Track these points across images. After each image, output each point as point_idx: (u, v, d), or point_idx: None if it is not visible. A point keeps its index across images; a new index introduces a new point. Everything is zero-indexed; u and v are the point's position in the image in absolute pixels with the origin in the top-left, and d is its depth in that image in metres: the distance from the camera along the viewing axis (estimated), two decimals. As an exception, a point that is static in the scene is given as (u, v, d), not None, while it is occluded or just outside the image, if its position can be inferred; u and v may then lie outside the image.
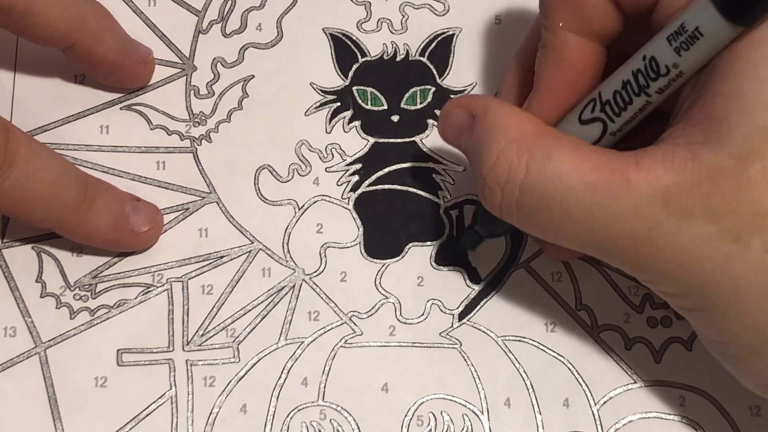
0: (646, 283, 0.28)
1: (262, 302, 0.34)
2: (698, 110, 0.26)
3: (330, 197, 0.35)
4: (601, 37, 0.29)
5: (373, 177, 0.36)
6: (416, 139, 0.36)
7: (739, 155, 0.25)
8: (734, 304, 0.26)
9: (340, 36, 0.38)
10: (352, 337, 0.34)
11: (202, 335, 0.34)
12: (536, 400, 0.33)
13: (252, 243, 0.35)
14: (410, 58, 0.37)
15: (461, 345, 0.34)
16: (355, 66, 0.37)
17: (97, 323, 0.34)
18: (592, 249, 0.28)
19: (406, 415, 0.33)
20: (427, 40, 0.38)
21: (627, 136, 0.29)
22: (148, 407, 0.33)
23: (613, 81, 0.28)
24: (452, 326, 0.34)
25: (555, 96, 0.29)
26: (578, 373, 0.33)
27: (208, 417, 0.33)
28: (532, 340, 0.34)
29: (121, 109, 0.37)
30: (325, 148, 0.36)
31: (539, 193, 0.27)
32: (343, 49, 0.38)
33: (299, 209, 0.35)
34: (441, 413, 0.33)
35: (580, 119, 0.29)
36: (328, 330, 0.34)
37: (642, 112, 0.28)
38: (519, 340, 0.34)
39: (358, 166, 0.36)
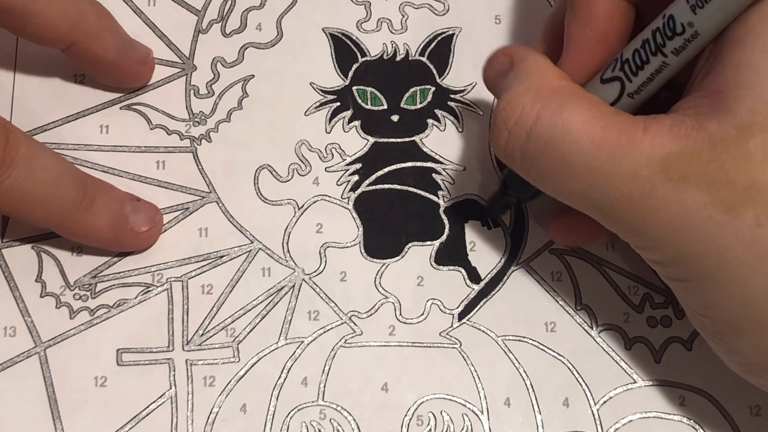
0: (638, 249, 0.28)
1: (261, 302, 0.34)
2: (709, 81, 0.26)
3: (330, 197, 0.35)
4: None
5: (373, 177, 0.36)
6: (416, 138, 0.36)
7: (742, 126, 0.25)
8: (721, 275, 0.26)
9: (340, 36, 0.38)
10: (352, 337, 0.34)
11: (202, 335, 0.34)
12: (536, 399, 0.33)
13: (252, 243, 0.35)
14: (410, 58, 0.37)
15: (461, 345, 0.34)
16: (355, 66, 0.37)
17: (97, 323, 0.34)
18: (589, 207, 0.28)
19: (405, 415, 0.33)
20: (427, 40, 0.38)
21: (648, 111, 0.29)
22: (148, 407, 0.33)
23: (635, 40, 0.28)
24: (452, 326, 0.34)
25: (584, 54, 0.30)
26: (578, 373, 0.33)
27: (208, 417, 0.33)
28: (532, 340, 0.34)
29: (121, 108, 0.37)
30: (325, 148, 0.36)
31: (545, 141, 0.27)
32: (343, 48, 0.38)
33: (299, 209, 0.35)
34: (441, 413, 0.33)
35: (602, 78, 0.29)
36: (328, 330, 0.34)
37: (659, 75, 0.28)
38: (519, 340, 0.34)
39: (358, 165, 0.36)
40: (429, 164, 0.36)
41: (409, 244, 0.35)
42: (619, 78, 0.28)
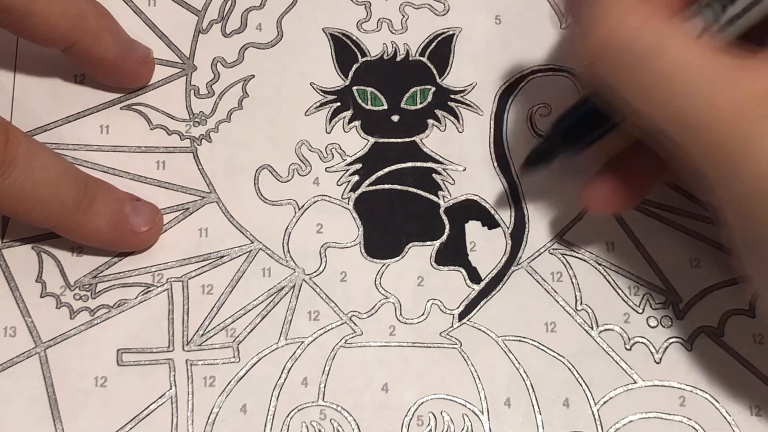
0: (710, 180, 0.27)
1: (262, 302, 0.34)
2: None
3: (330, 197, 0.35)
4: None
5: (373, 177, 0.36)
6: (416, 139, 0.36)
7: None
8: None
9: (340, 36, 0.38)
10: (352, 337, 0.34)
11: (202, 335, 0.34)
12: (536, 400, 0.33)
13: (252, 243, 0.35)
14: (410, 58, 0.37)
15: (461, 345, 0.34)
16: (355, 66, 0.37)
17: (97, 323, 0.34)
18: (676, 128, 0.26)
19: (406, 415, 0.33)
20: (427, 40, 0.38)
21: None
22: (148, 407, 0.33)
23: None
24: (452, 326, 0.34)
25: None
26: (578, 373, 0.33)
27: (208, 417, 0.33)
28: (532, 340, 0.34)
29: (121, 109, 0.37)
30: (325, 148, 0.36)
31: (648, 47, 0.26)
32: (343, 49, 0.38)
33: (299, 209, 0.35)
34: (441, 413, 0.33)
35: (699, 4, 0.27)
36: (328, 330, 0.34)
37: (756, 6, 0.26)
38: (519, 340, 0.34)
39: (358, 165, 0.36)
40: (429, 164, 0.36)
41: (410, 244, 0.35)
42: (714, 4, 0.27)
